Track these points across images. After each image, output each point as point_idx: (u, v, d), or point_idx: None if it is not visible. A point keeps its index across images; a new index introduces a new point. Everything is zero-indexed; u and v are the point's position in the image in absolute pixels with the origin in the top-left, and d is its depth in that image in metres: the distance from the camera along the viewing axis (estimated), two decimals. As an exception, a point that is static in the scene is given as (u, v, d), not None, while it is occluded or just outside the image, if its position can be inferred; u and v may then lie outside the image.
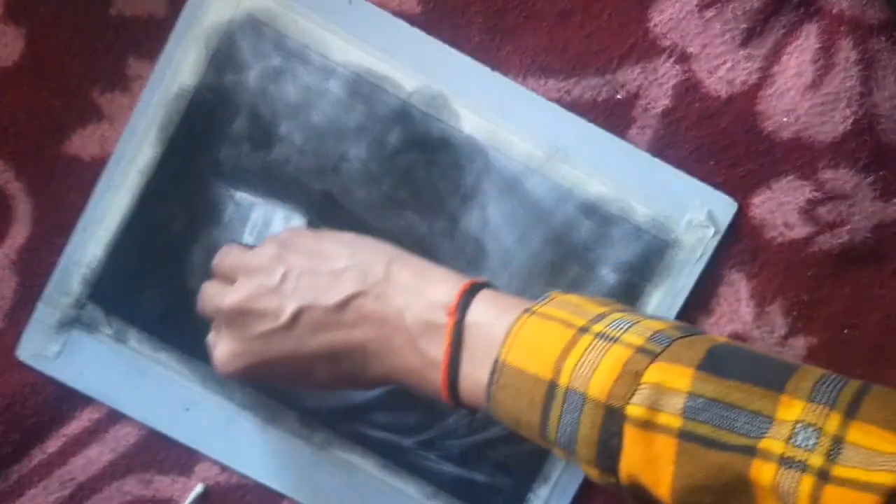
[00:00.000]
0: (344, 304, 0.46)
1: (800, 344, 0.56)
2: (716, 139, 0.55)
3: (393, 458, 0.57)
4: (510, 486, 0.57)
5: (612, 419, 0.39)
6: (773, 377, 0.38)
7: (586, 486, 0.57)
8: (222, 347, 0.48)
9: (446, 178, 0.56)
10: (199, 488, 0.57)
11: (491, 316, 0.45)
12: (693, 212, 0.55)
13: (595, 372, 0.40)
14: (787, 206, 0.56)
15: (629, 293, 0.56)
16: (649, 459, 0.38)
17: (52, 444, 0.57)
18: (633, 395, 0.38)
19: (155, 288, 0.56)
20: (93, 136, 0.56)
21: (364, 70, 0.55)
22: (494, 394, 0.43)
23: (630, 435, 0.39)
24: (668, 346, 0.40)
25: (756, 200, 0.56)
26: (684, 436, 0.38)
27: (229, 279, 0.50)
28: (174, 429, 0.57)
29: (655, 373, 0.39)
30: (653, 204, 0.55)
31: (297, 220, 0.56)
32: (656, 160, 0.55)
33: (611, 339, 0.40)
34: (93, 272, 0.56)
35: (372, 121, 0.55)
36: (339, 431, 0.57)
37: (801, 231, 0.56)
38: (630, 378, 0.39)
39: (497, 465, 0.57)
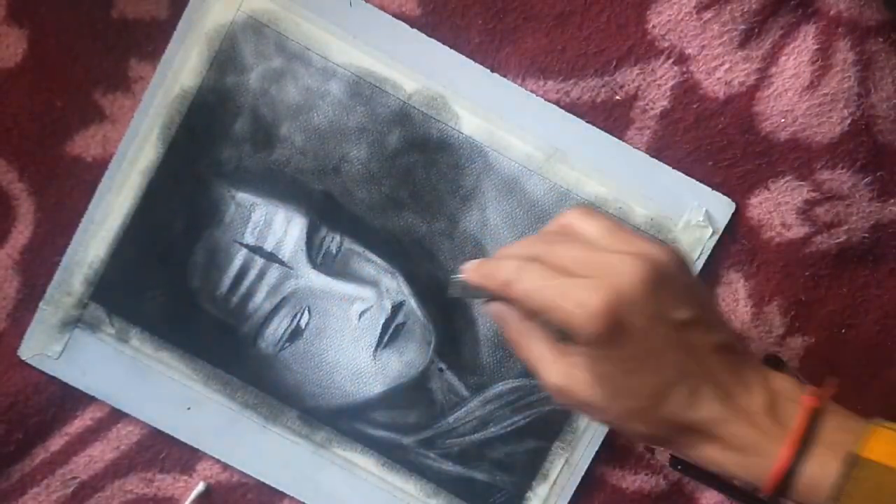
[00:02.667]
0: (720, 348, 0.45)
1: (797, 343, 0.57)
2: (714, 140, 0.55)
3: (393, 456, 0.57)
4: (510, 485, 0.57)
5: None
6: None
7: (585, 485, 0.57)
8: (620, 288, 0.43)
9: (446, 178, 0.56)
10: (200, 487, 0.57)
11: (843, 414, 0.45)
12: (691, 212, 0.56)
13: None
14: (784, 206, 0.56)
15: (628, 293, 0.56)
16: None
17: (55, 443, 0.57)
18: None
19: (157, 288, 0.57)
20: (95, 136, 0.56)
21: (364, 71, 0.55)
22: (847, 487, 0.43)
23: None
24: None
25: (754, 201, 0.56)
26: None
27: (606, 243, 0.45)
28: (176, 428, 0.57)
29: None
30: (651, 204, 0.56)
31: (298, 221, 0.56)
32: (654, 161, 0.55)
33: None
34: (95, 272, 0.56)
35: (372, 122, 0.56)
36: (339, 430, 0.57)
37: (798, 231, 0.56)
38: None
39: (497, 463, 0.57)
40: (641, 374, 0.44)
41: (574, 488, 0.57)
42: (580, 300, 0.42)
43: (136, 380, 0.57)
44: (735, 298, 0.56)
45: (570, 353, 0.44)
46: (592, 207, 0.49)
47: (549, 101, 0.55)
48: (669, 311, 0.44)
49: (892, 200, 0.56)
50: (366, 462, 0.57)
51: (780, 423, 0.44)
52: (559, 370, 0.45)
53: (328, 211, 0.56)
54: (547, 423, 0.57)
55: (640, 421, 0.45)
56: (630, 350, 0.43)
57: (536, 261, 0.45)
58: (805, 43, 0.55)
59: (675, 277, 0.44)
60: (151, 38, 0.55)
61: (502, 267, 0.46)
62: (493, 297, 0.47)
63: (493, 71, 0.55)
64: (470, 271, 0.47)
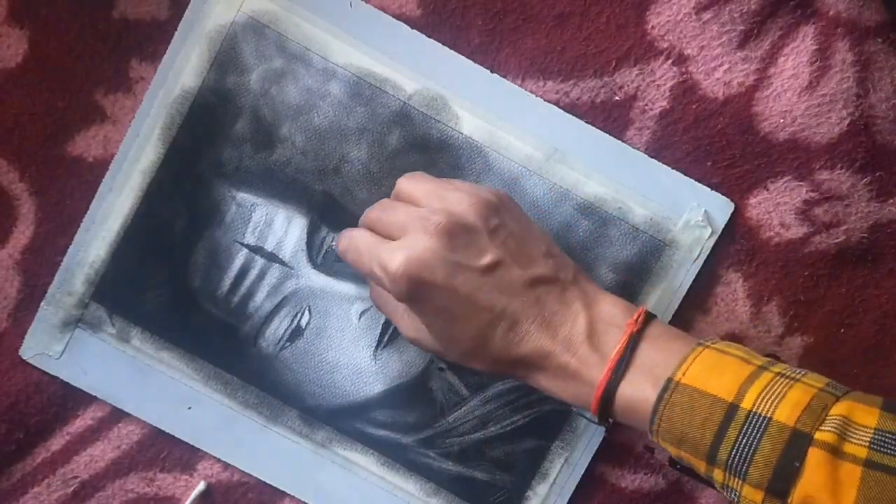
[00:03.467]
0: (535, 282, 0.48)
1: (796, 343, 0.57)
2: (713, 140, 0.56)
3: (393, 455, 0.58)
4: (509, 484, 0.57)
5: (797, 443, 0.41)
6: None
7: (584, 484, 0.57)
8: (412, 251, 0.46)
9: (446, 178, 0.56)
10: (201, 486, 0.58)
11: (667, 337, 0.47)
12: (690, 212, 0.56)
13: (782, 401, 0.42)
14: (783, 206, 0.56)
15: (627, 293, 0.56)
16: (833, 483, 0.41)
17: (56, 443, 0.57)
18: (821, 423, 0.41)
19: (157, 288, 0.57)
20: (96, 137, 0.56)
21: (365, 72, 0.55)
22: (662, 409, 0.45)
23: (815, 459, 0.41)
24: (847, 391, 0.43)
25: (753, 201, 0.56)
26: (870, 465, 0.40)
27: (428, 203, 0.49)
28: (177, 427, 0.57)
29: (842, 408, 0.42)
30: (650, 204, 0.56)
31: (299, 221, 0.56)
32: (654, 161, 0.56)
33: (793, 379, 0.43)
34: (96, 272, 0.56)
35: (372, 122, 0.56)
36: (339, 429, 0.58)
37: (797, 231, 0.56)
38: (819, 409, 0.42)
39: (496, 462, 0.57)
40: (459, 322, 0.47)
41: (573, 487, 0.57)
42: (385, 264, 0.47)
43: (136, 379, 0.57)
44: (734, 298, 0.56)
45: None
46: (422, 173, 0.52)
47: (548, 101, 0.55)
48: (470, 260, 0.47)
49: (891, 200, 0.56)
50: (366, 461, 0.58)
51: (599, 350, 0.47)
52: (408, 324, 0.50)
53: (329, 211, 0.56)
54: (546, 422, 0.57)
55: (476, 361, 0.49)
56: (440, 302, 0.47)
57: (373, 225, 0.50)
58: (804, 43, 0.55)
59: (473, 226, 0.47)
60: (152, 38, 0.55)
61: (342, 237, 0.51)
62: None
63: (492, 71, 0.55)
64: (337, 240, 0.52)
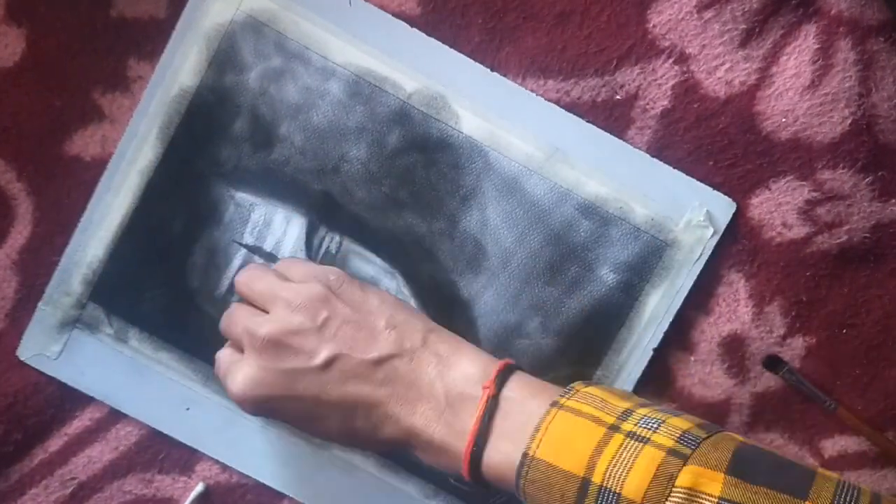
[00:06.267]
0: (379, 362, 0.48)
1: (798, 344, 0.57)
2: (714, 140, 0.55)
3: (393, 457, 0.57)
4: (509, 486, 0.57)
5: None
6: (796, 484, 0.41)
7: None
8: (246, 373, 0.48)
9: (446, 178, 0.56)
10: (199, 487, 0.57)
11: (526, 395, 0.47)
12: (692, 212, 0.55)
13: (629, 472, 0.42)
14: (785, 206, 0.56)
15: (628, 293, 0.56)
16: None
17: (54, 444, 0.57)
18: (667, 498, 0.41)
19: (155, 288, 0.56)
20: (94, 136, 0.56)
21: (364, 71, 0.55)
22: (523, 486, 0.45)
23: None
24: (696, 448, 0.42)
25: (755, 201, 0.56)
26: None
27: (263, 305, 0.50)
28: (175, 428, 0.57)
29: (688, 476, 0.41)
30: (651, 204, 0.56)
31: (298, 221, 0.56)
32: (655, 161, 0.55)
33: (642, 440, 0.43)
34: (94, 272, 0.56)
35: (372, 121, 0.56)
36: (339, 431, 0.57)
37: (799, 231, 0.56)
38: (664, 480, 0.41)
39: (496, 464, 0.57)
40: (318, 421, 0.49)
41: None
42: (228, 389, 0.49)
43: (134, 380, 0.57)
44: (736, 299, 0.56)
45: None
46: (256, 267, 0.54)
47: (549, 100, 0.55)
48: (305, 363, 0.48)
49: (893, 200, 0.56)
50: (365, 463, 0.57)
51: (459, 420, 0.47)
52: None
53: (327, 211, 0.56)
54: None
55: (356, 446, 0.53)
56: (291, 410, 0.49)
57: (223, 328, 0.52)
58: (806, 42, 0.55)
59: (300, 328, 0.48)
60: (150, 37, 0.55)
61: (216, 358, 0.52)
62: None
63: (493, 70, 0.55)
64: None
